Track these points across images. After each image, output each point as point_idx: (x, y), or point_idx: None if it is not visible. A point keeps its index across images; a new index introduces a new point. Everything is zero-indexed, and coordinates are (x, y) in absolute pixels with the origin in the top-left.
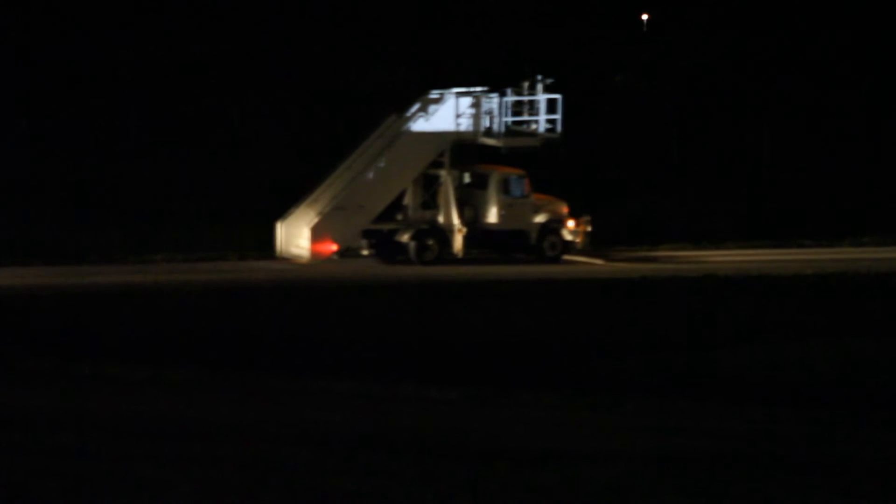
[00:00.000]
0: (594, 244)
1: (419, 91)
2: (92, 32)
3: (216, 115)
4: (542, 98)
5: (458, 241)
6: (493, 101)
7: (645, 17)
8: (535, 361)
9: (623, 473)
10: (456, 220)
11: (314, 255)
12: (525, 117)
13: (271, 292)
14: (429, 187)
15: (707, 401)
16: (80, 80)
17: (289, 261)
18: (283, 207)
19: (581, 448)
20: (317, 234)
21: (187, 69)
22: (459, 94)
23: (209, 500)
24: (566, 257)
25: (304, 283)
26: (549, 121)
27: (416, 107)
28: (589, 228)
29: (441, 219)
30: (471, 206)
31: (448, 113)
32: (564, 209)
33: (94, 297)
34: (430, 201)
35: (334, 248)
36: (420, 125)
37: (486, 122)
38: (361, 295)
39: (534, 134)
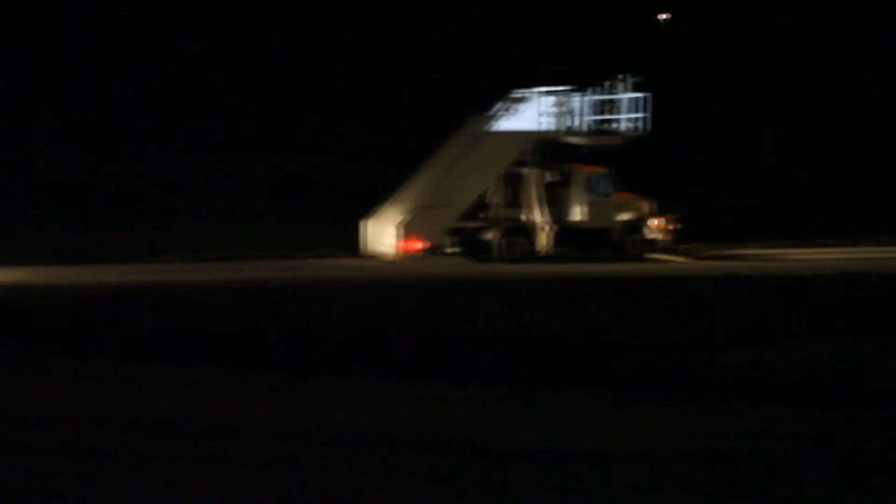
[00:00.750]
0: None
1: (501, 90)
2: (118, 27)
3: (238, 114)
4: (625, 97)
5: (542, 240)
6: (576, 100)
7: (663, 16)
8: (563, 360)
9: (644, 473)
10: (540, 219)
11: (401, 252)
12: (608, 115)
13: (328, 290)
14: (513, 186)
15: (730, 400)
16: (108, 78)
17: (375, 258)
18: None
19: (603, 447)
20: (403, 232)
21: (208, 69)
22: (543, 93)
23: (227, 498)
24: (650, 255)
25: (369, 281)
26: (632, 119)
27: (499, 105)
28: (674, 226)
29: (525, 217)
30: (555, 205)
31: (532, 112)
32: (649, 207)
33: (117, 296)
34: (515, 200)
35: (420, 245)
36: (504, 124)
37: (569, 121)
38: (412, 293)
39: (617, 132)
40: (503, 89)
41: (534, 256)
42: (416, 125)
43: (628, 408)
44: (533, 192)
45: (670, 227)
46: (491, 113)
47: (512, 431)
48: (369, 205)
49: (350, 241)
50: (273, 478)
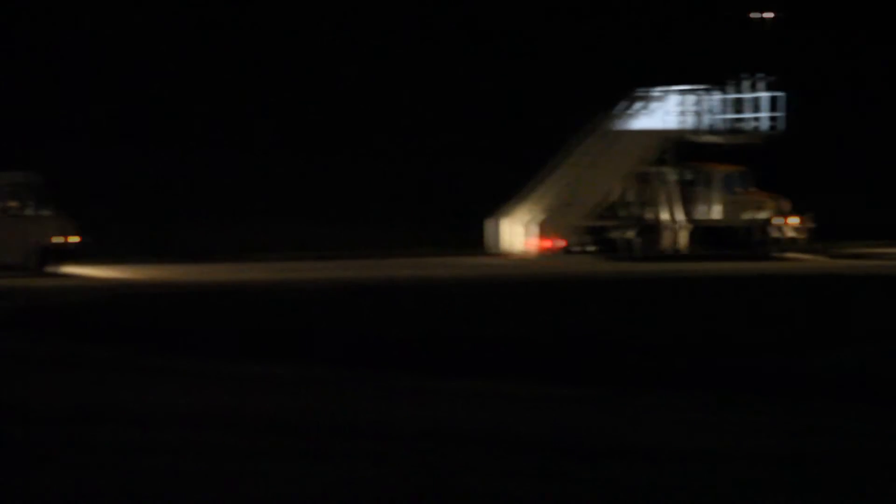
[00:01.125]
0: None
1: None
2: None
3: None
4: (762, 95)
5: (675, 238)
6: (712, 98)
7: (767, 15)
8: (668, 359)
9: (748, 472)
10: (673, 217)
11: (536, 251)
12: (745, 114)
13: (447, 290)
14: (646, 184)
15: (841, 401)
16: (210, 77)
17: (507, 256)
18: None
19: (706, 447)
20: (538, 230)
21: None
22: (677, 92)
23: (337, 496)
24: (783, 254)
25: (495, 279)
26: (767, 118)
27: (632, 104)
28: (808, 225)
29: (659, 215)
30: (689, 203)
31: (665, 110)
32: (784, 205)
33: (234, 294)
34: (648, 198)
35: (559, 243)
36: (637, 122)
37: (705, 119)
38: (531, 290)
39: (754, 131)
40: (633, 87)
41: (666, 255)
42: (542, 123)
43: (739, 408)
44: (666, 191)
45: (804, 225)
46: (624, 111)
47: (619, 430)
48: (481, 204)
49: (469, 239)
50: (372, 475)
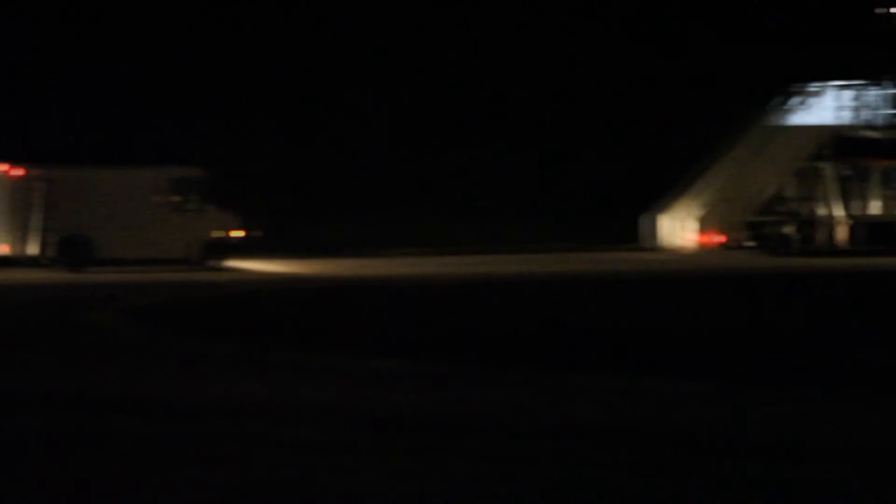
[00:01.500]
0: None
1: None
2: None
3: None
4: None
5: (839, 233)
6: (873, 94)
7: (886, 10)
8: (786, 355)
9: (866, 470)
10: (836, 213)
11: (700, 245)
12: None
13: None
14: (808, 180)
15: None
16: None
17: (672, 251)
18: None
19: (818, 444)
20: (703, 225)
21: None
22: (838, 87)
23: (452, 492)
24: None
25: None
26: None
27: (795, 100)
28: None
29: (822, 211)
30: (851, 199)
31: (826, 105)
32: None
33: (359, 289)
34: (810, 194)
35: (719, 239)
36: (800, 118)
37: (865, 115)
38: (671, 287)
39: None
40: (792, 83)
41: (830, 250)
42: (697, 119)
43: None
44: (828, 187)
45: None
46: (784, 107)
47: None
48: (628, 200)
49: (611, 236)
50: (500, 471)
